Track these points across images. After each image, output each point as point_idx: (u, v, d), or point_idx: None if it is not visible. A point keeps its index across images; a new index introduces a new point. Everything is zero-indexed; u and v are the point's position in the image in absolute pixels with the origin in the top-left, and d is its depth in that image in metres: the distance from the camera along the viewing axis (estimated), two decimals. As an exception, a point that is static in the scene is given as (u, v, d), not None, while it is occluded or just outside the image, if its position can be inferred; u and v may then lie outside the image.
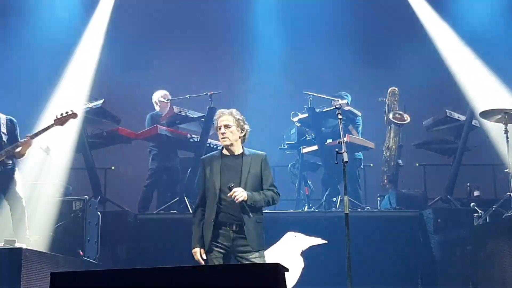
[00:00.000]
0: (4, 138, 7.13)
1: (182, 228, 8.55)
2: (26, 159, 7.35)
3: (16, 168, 7.19)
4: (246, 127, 5.49)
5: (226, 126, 5.40)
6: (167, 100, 9.67)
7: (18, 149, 6.99)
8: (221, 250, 5.30)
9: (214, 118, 5.62)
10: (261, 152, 5.52)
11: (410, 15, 11.24)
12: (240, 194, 5.17)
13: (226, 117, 5.46)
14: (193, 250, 5.36)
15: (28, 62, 10.42)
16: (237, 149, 5.43)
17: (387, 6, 11.53)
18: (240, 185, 5.23)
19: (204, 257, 5.30)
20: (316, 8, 11.54)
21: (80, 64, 10.29)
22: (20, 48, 10.42)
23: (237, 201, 5.17)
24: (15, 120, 7.35)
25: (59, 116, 7.13)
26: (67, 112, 7.16)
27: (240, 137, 5.45)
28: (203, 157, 5.75)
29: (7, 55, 10.19)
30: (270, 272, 3.46)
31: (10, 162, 7.10)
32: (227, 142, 5.38)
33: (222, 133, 5.40)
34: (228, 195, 5.18)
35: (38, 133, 7.09)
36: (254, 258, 5.26)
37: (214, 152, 5.70)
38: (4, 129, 7.17)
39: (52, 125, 7.10)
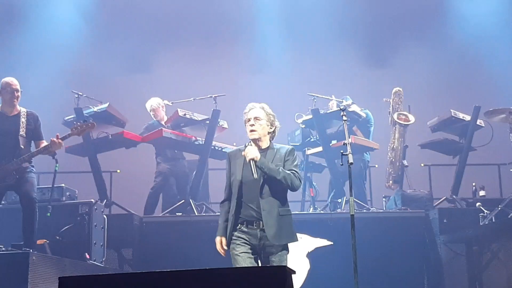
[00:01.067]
0: (22, 143, 7.01)
1: (188, 230, 8.59)
2: (33, 162, 7.35)
3: (34, 172, 7.12)
4: (277, 123, 5.33)
5: (256, 119, 5.22)
6: (172, 103, 9.71)
7: (50, 149, 6.94)
8: (249, 250, 5.08)
9: (245, 111, 5.36)
10: (289, 146, 5.40)
11: (416, 15, 11.26)
12: (251, 151, 5.06)
13: (257, 111, 5.29)
14: (216, 239, 5.20)
15: (29, 68, 10.44)
16: (264, 144, 5.24)
17: (391, 7, 11.53)
18: (258, 177, 5.06)
19: (225, 247, 5.13)
20: (320, 10, 11.55)
21: (83, 68, 10.36)
22: (22, 54, 10.44)
23: (247, 158, 5.05)
24: (36, 113, 7.25)
25: (77, 126, 7.11)
26: (85, 121, 7.22)
27: (269, 132, 5.29)
28: (229, 151, 5.63)
29: (9, 60, 10.22)
30: (277, 275, 3.47)
31: (28, 165, 7.00)
32: (255, 135, 5.19)
33: (251, 125, 5.21)
34: (243, 153, 5.11)
35: (62, 138, 7.00)
36: (275, 256, 5.08)
37: (241, 146, 5.39)
38: (23, 127, 7.06)
39: (69, 135, 7.07)
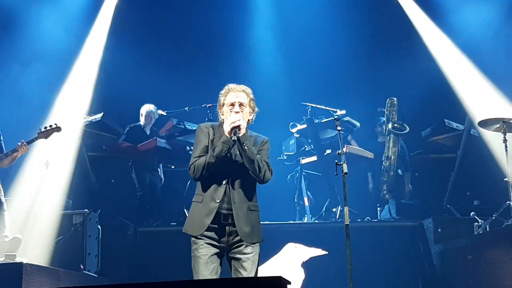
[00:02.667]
0: None
1: (183, 240, 8.56)
2: (27, 173, 7.40)
3: None
4: (257, 109, 4.89)
5: (241, 105, 4.73)
6: (166, 112, 9.76)
7: (15, 152, 7.14)
8: (215, 249, 4.62)
9: (222, 92, 4.82)
10: (265, 136, 4.93)
11: (408, 26, 11.29)
12: (238, 119, 4.59)
13: (240, 94, 4.76)
14: (222, 140, 4.58)
15: (27, 75, 10.42)
16: (242, 132, 4.66)
17: (384, 17, 11.56)
18: (231, 165, 4.64)
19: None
20: (314, 20, 11.57)
21: (80, 77, 10.35)
22: (20, 59, 10.42)
23: (230, 125, 4.54)
24: None
25: (43, 130, 7.31)
26: (51, 126, 7.36)
27: (249, 120, 4.83)
28: (204, 124, 4.92)
29: (7, 65, 10.20)
30: (272, 285, 3.46)
31: None
32: (242, 124, 4.62)
33: (236, 112, 4.67)
34: (228, 119, 4.59)
35: (28, 143, 7.20)
36: (246, 254, 4.62)
37: (216, 123, 4.87)
38: None
39: (36, 138, 7.27)
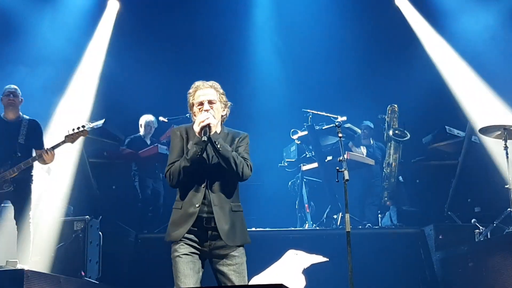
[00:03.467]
0: (19, 151, 7.04)
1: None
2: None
3: (32, 187, 7.15)
4: (229, 103, 4.68)
5: (211, 102, 4.51)
6: (167, 119, 9.79)
7: (40, 160, 6.98)
8: (196, 250, 4.43)
9: (190, 91, 4.61)
10: (243, 132, 4.68)
11: (408, 32, 11.31)
12: (206, 117, 4.34)
13: (208, 91, 4.54)
14: (194, 142, 4.37)
15: (29, 80, 10.44)
16: (217, 130, 4.51)
17: (385, 23, 11.58)
18: (209, 166, 4.45)
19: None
20: (315, 26, 11.59)
21: (82, 83, 10.39)
22: (22, 64, 10.44)
23: (199, 125, 4.33)
24: (38, 122, 7.34)
25: (70, 132, 7.03)
26: (78, 128, 7.06)
27: (222, 116, 4.63)
28: (177, 127, 4.72)
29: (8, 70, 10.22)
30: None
31: (27, 177, 7.05)
32: (212, 121, 4.38)
33: (206, 111, 4.44)
34: (197, 119, 4.37)
35: (54, 147, 6.99)
36: (230, 265, 4.42)
37: (188, 125, 4.64)
38: (23, 134, 7.12)
39: (63, 142, 7.01)
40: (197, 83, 4.61)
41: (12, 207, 7.15)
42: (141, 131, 9.98)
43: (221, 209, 4.43)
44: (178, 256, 4.40)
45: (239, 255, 4.47)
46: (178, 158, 4.50)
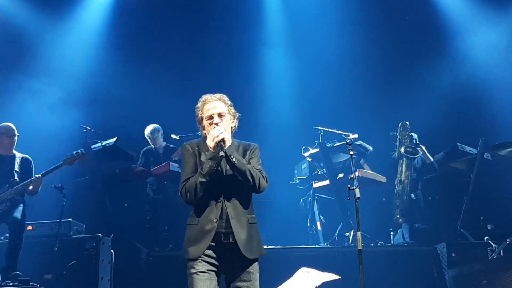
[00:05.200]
0: (17, 177, 7.55)
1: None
2: (40, 198, 7.50)
3: (24, 203, 7.55)
4: (237, 114, 4.67)
5: (220, 115, 4.51)
6: (179, 137, 9.82)
7: (30, 187, 7.42)
8: (212, 266, 4.40)
9: (198, 106, 4.60)
10: (253, 143, 4.68)
11: (420, 50, 11.33)
12: (220, 132, 4.32)
13: (217, 104, 4.52)
14: (208, 157, 4.33)
15: (39, 102, 10.53)
16: (227, 143, 4.43)
17: (397, 41, 11.62)
18: (224, 178, 4.43)
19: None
20: (326, 44, 11.63)
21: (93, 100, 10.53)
22: (28, 89, 10.55)
23: (213, 140, 4.30)
24: (30, 158, 7.83)
25: (69, 156, 7.55)
26: (77, 153, 7.61)
27: (232, 127, 4.61)
28: (188, 143, 4.66)
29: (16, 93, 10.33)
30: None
31: (20, 197, 7.51)
32: (226, 136, 4.37)
33: (216, 124, 4.44)
34: (210, 134, 4.34)
35: (48, 172, 7.50)
36: (245, 281, 4.41)
37: (198, 140, 4.64)
38: (17, 168, 7.63)
39: (61, 165, 7.51)
40: (204, 97, 4.60)
41: None
42: (150, 143, 10.02)
43: (239, 222, 4.40)
44: (196, 273, 4.37)
45: (254, 272, 4.46)
46: (192, 174, 4.46)
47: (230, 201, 4.43)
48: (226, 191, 4.45)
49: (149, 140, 10.01)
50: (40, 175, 7.44)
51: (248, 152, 4.58)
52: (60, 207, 7.77)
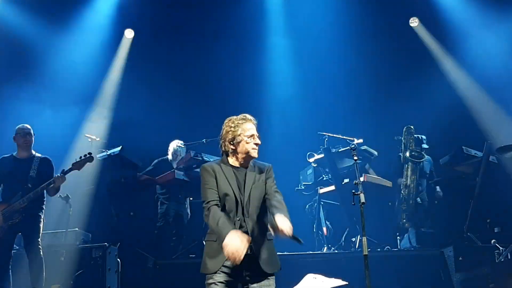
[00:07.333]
0: (31, 183, 7.31)
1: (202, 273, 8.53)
2: (46, 208, 7.47)
3: (42, 217, 7.37)
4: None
5: (259, 137, 4.76)
6: (184, 145, 9.81)
7: (51, 185, 7.25)
8: (231, 278, 4.51)
9: (237, 121, 4.75)
10: (267, 164, 4.86)
11: (424, 54, 11.33)
12: (288, 225, 4.38)
13: (254, 126, 4.77)
14: (225, 241, 4.30)
15: (44, 113, 10.57)
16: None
17: (402, 45, 11.63)
18: (244, 197, 4.57)
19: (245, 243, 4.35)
20: (330, 49, 11.64)
21: (99, 111, 10.55)
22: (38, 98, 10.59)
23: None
24: (49, 158, 7.65)
25: (77, 160, 7.42)
26: (85, 155, 7.46)
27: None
28: (207, 164, 4.76)
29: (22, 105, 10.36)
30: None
31: (35, 209, 7.25)
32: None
33: (256, 144, 4.71)
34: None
35: (67, 171, 7.34)
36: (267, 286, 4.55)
37: (217, 160, 4.83)
38: (33, 172, 7.39)
39: (71, 169, 7.36)
40: (245, 115, 4.78)
41: None
42: (169, 155, 9.99)
43: (258, 238, 4.54)
44: (214, 283, 4.47)
45: (270, 285, 4.59)
46: (214, 198, 4.56)
47: (250, 219, 4.58)
48: (246, 209, 4.60)
49: (169, 152, 9.97)
50: (62, 174, 7.27)
51: (264, 173, 4.73)
52: (66, 216, 7.78)
